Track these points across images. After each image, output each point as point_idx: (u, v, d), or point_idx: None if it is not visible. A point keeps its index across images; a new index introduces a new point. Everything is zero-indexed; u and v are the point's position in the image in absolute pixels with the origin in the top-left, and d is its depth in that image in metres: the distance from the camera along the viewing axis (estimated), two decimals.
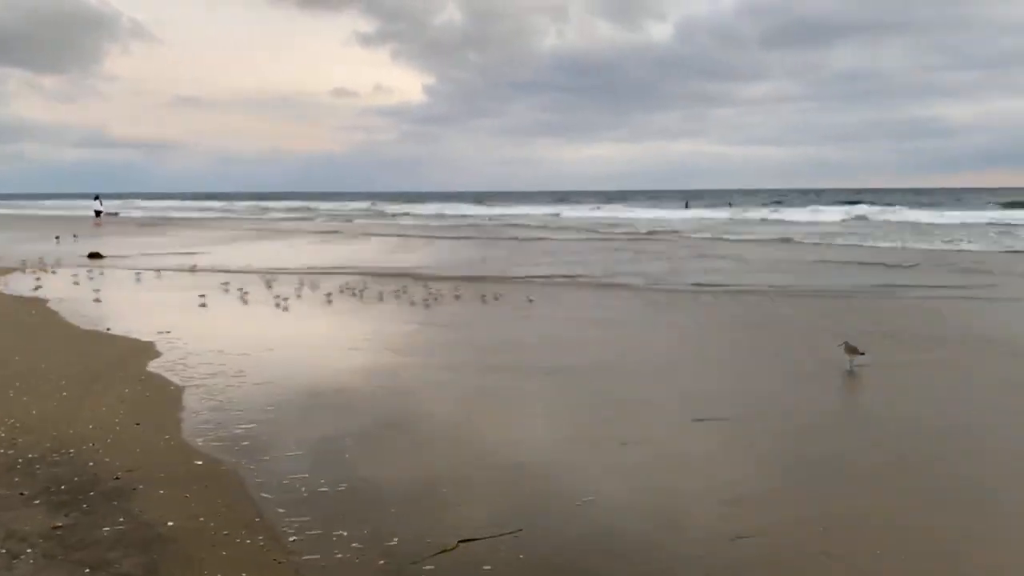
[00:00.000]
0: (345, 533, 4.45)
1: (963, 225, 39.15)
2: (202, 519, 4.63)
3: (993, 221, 41.60)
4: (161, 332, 10.28)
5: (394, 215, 64.98)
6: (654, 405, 7.37)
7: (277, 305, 13.01)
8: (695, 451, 6.05)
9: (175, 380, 7.91)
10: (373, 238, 35.46)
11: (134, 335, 10.19)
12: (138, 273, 17.87)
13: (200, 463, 5.59)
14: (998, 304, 14.23)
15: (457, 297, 14.02)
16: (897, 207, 52.64)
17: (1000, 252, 25.02)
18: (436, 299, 13.76)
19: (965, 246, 27.11)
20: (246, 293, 13.99)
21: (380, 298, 13.97)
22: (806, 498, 5.11)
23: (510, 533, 4.47)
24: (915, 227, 38.22)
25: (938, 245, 27.87)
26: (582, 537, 4.48)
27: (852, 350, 8.51)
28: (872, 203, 57.38)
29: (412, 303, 13.39)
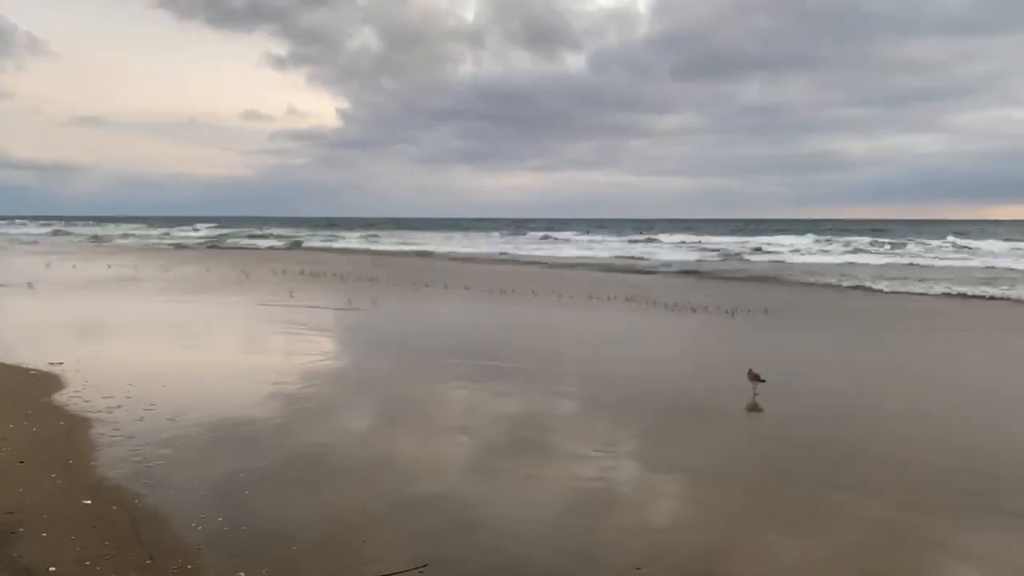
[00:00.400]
0: (243, 574, 4.28)
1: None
2: (88, 563, 4.38)
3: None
4: (54, 363, 9.73)
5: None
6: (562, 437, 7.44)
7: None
8: (599, 482, 6.12)
9: (70, 413, 7.51)
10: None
11: (24, 364, 9.65)
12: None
13: (89, 503, 5.29)
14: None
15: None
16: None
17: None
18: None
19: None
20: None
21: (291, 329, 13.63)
22: (708, 527, 5.24)
23: (417, 568, 4.41)
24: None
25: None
26: (490, 569, 4.46)
27: (755, 378, 8.82)
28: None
29: (320, 329, 13.12)
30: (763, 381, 8.78)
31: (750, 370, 8.94)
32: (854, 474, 6.29)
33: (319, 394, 8.82)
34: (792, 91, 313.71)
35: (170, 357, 10.90)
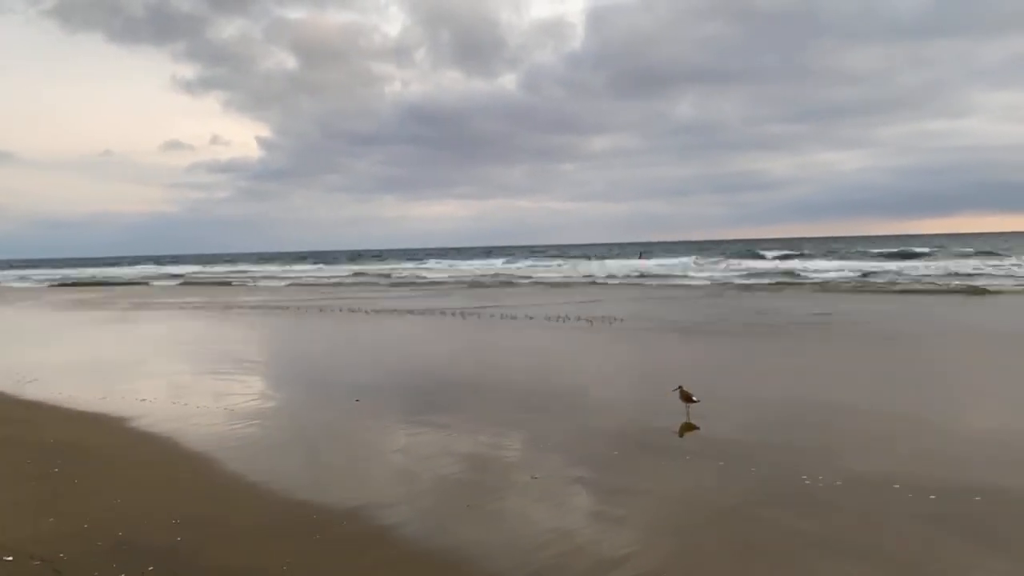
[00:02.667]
0: None
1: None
2: None
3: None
4: None
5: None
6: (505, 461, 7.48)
7: None
8: (533, 504, 6.17)
9: None
10: None
11: None
12: None
13: None
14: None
15: None
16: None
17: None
18: None
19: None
20: None
21: None
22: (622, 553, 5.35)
23: None
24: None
25: None
26: None
27: (687, 397, 9.00)
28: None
29: None
30: (696, 401, 8.97)
31: (680, 388, 9.09)
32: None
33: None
34: (726, 107, 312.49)
35: None
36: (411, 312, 25.23)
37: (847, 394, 10.31)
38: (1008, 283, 31.90)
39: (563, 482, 6.69)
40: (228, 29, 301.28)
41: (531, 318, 21.45)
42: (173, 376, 13.00)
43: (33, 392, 11.36)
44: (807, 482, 6.49)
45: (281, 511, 6.05)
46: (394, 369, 13.45)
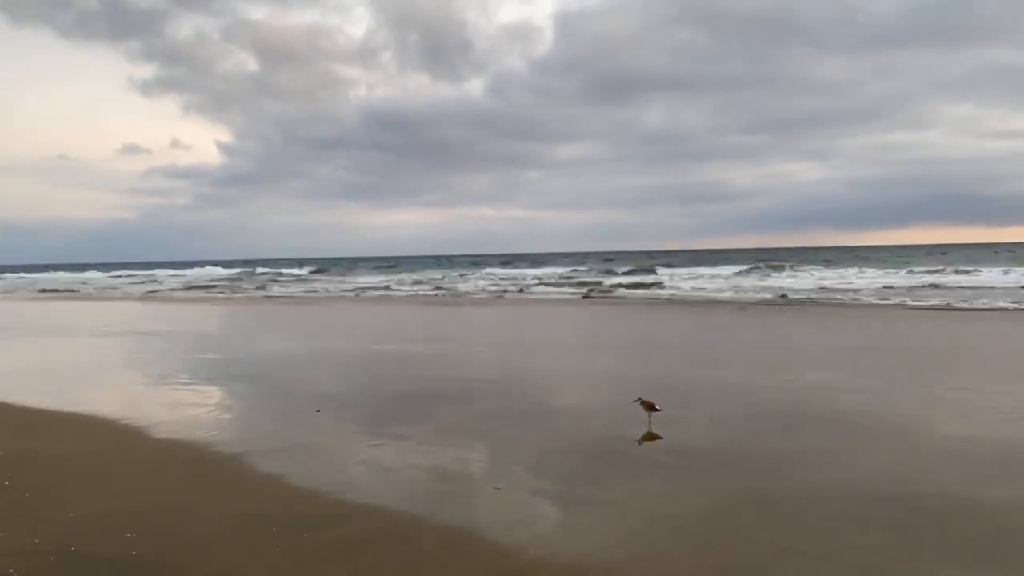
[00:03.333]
0: None
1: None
2: None
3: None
4: None
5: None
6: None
7: None
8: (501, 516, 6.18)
9: None
10: None
11: None
12: None
13: None
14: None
15: None
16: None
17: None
18: None
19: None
20: None
21: None
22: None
23: None
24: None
25: None
26: None
27: (649, 407, 9.07)
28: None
29: None
30: (659, 410, 9.05)
31: (640, 398, 9.17)
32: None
33: None
34: (693, 116, 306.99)
35: None
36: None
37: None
38: (821, 295, 34.72)
39: (526, 492, 6.71)
40: (185, 29, 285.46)
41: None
42: (123, 386, 12.73)
43: None
44: (770, 489, 6.61)
45: (240, 522, 5.96)
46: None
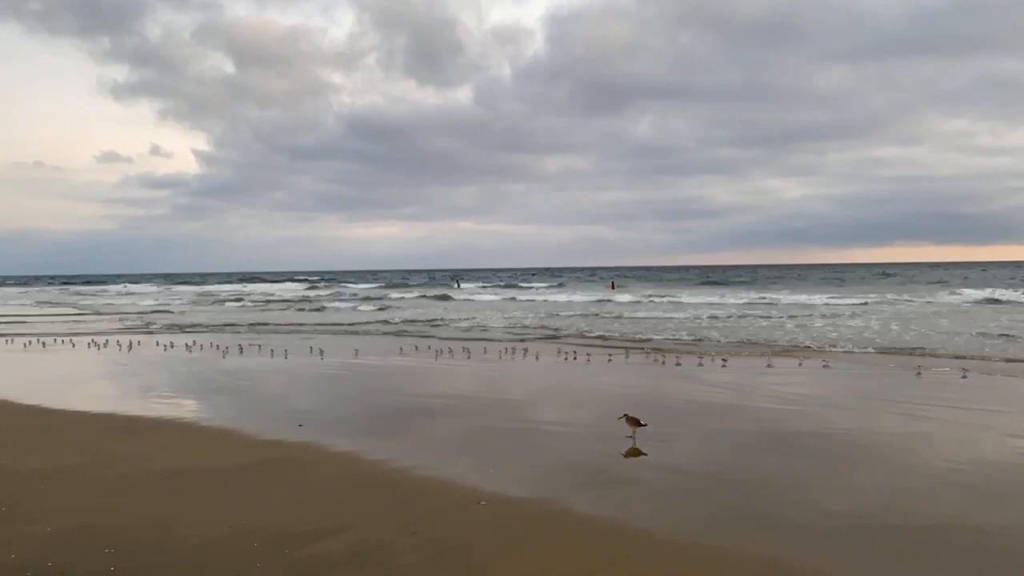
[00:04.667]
0: None
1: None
2: None
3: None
4: None
5: None
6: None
7: None
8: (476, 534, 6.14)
9: None
10: None
11: None
12: None
13: None
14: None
15: None
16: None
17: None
18: None
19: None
20: None
21: None
22: None
23: None
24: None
25: None
26: None
27: (634, 422, 9.10)
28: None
29: None
30: (644, 425, 9.08)
31: (627, 415, 9.22)
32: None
33: None
34: (684, 127, 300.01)
35: None
36: None
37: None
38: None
39: (510, 507, 6.67)
40: (157, 29, 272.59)
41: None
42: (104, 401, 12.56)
43: None
44: (757, 507, 6.62)
45: (219, 537, 5.87)
46: None
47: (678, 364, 16.55)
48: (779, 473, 7.77)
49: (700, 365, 16.43)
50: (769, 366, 16.11)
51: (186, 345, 21.30)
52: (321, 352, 19.18)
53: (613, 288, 68.72)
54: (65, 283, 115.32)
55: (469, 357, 18.39)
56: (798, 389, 13.06)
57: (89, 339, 23.51)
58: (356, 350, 19.91)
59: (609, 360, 17.55)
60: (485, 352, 19.49)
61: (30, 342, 22.85)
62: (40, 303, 56.76)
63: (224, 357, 18.74)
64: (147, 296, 67.96)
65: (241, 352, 19.82)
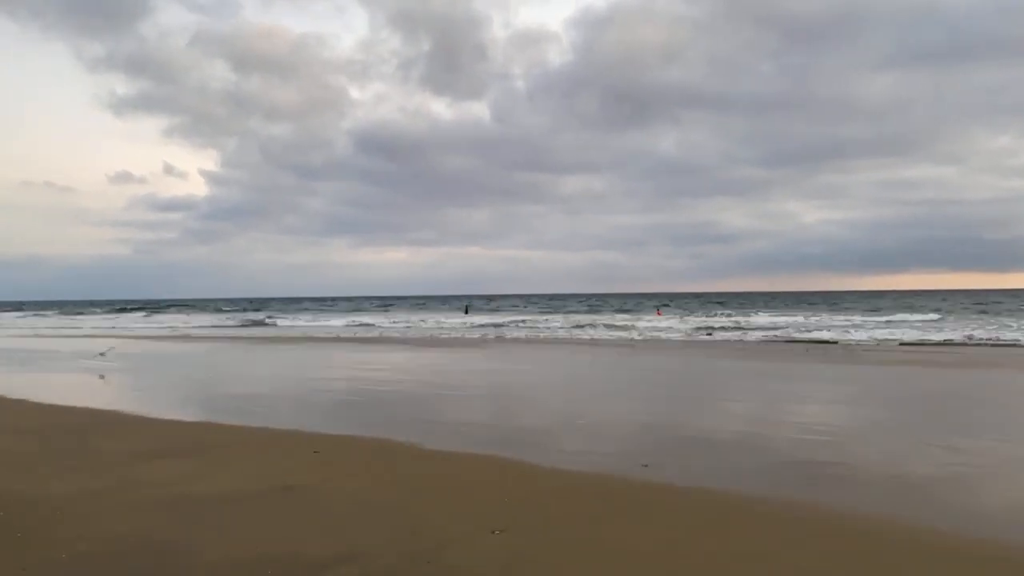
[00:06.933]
0: None
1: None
2: None
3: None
4: None
5: None
6: None
7: None
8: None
9: None
10: None
11: None
12: None
13: None
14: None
15: None
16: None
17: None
18: None
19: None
20: None
21: None
22: None
23: None
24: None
25: None
26: None
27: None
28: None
29: None
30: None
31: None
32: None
33: None
34: (711, 143, 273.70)
35: None
36: None
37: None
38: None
39: (527, 534, 6.61)
40: (153, 35, 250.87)
41: None
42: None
43: None
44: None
45: (235, 564, 5.85)
46: None
47: None
48: None
49: None
50: None
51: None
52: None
53: (660, 314, 69.00)
54: (121, 309, 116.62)
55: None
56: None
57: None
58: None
59: None
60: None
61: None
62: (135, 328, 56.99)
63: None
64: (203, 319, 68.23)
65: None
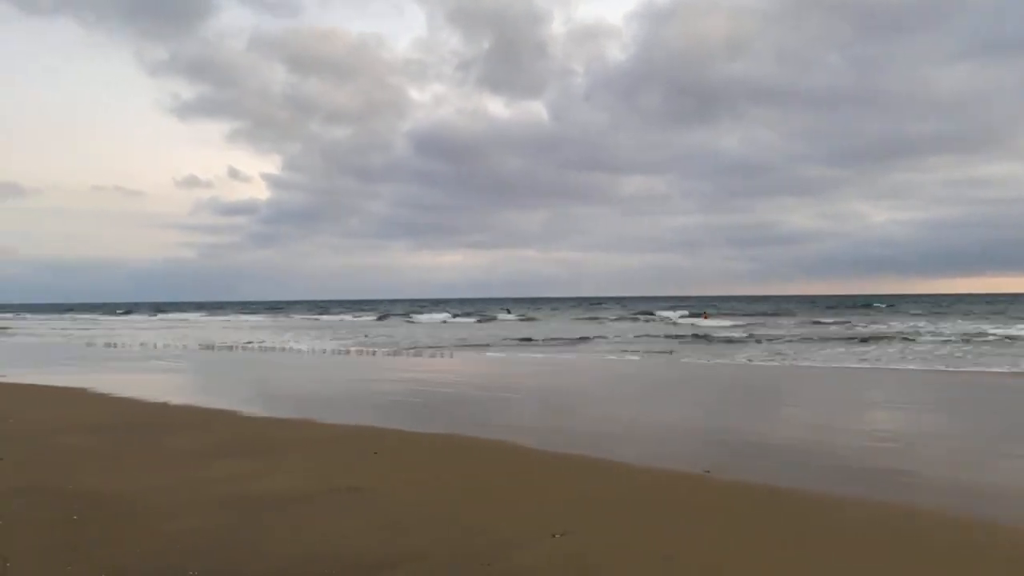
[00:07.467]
0: None
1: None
2: None
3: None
4: None
5: None
6: None
7: None
8: None
9: None
10: None
11: None
12: None
13: None
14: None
15: None
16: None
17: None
18: None
19: None
20: None
21: None
22: None
23: None
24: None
25: None
26: None
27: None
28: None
29: None
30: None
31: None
32: None
33: None
34: (777, 141, 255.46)
35: None
36: None
37: None
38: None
39: (590, 539, 6.54)
40: (213, 39, 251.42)
41: None
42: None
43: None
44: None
45: (297, 563, 5.93)
46: None
47: None
48: None
49: None
50: None
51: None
52: None
53: (706, 317, 69.06)
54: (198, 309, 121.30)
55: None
56: None
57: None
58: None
59: None
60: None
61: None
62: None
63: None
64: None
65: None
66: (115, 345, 39.34)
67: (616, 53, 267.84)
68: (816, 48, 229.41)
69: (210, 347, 36.38)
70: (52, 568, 5.79)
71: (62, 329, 64.83)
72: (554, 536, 6.63)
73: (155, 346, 38.18)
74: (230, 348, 36.14)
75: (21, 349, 38.16)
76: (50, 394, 17.91)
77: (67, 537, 6.55)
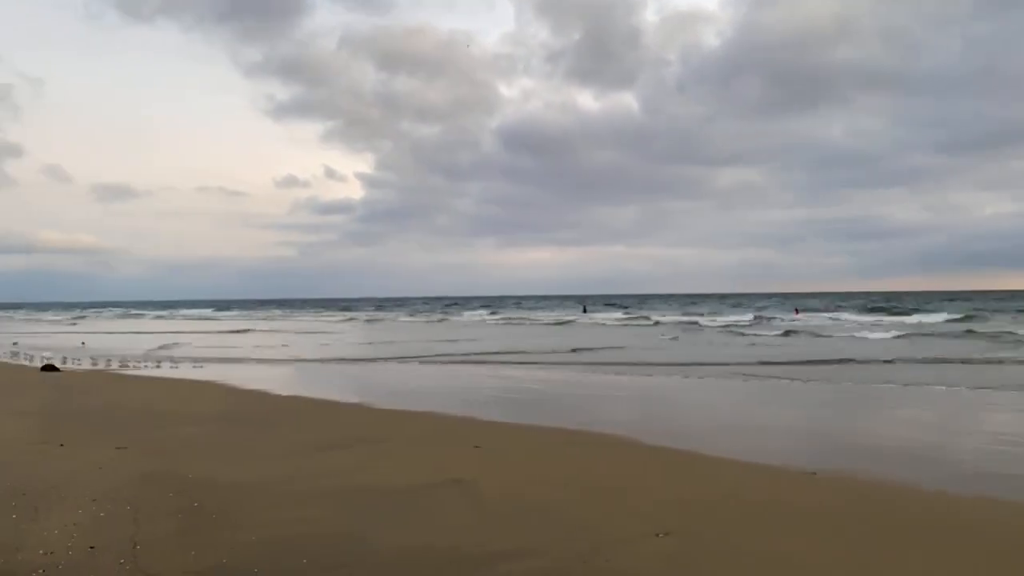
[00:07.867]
0: None
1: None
2: None
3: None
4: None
5: None
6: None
7: None
8: None
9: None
10: None
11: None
12: None
13: None
14: None
15: None
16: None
17: None
18: None
19: None
20: None
21: None
22: None
23: None
24: None
25: None
26: None
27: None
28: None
29: None
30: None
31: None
32: None
33: None
34: (885, 128, 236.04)
35: None
36: None
37: None
38: None
39: (693, 541, 6.42)
40: (305, 41, 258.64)
41: None
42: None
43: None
44: None
45: (406, 554, 6.07)
46: None
47: None
48: None
49: None
50: None
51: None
52: None
53: (798, 313, 69.25)
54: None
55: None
56: None
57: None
58: None
59: None
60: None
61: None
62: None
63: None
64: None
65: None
66: (286, 345, 41.23)
67: (711, 40, 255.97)
68: (928, 29, 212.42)
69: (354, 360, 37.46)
70: (176, 552, 6.13)
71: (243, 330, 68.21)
72: (657, 536, 6.54)
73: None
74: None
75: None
76: (181, 386, 19.01)
77: (189, 523, 6.93)
